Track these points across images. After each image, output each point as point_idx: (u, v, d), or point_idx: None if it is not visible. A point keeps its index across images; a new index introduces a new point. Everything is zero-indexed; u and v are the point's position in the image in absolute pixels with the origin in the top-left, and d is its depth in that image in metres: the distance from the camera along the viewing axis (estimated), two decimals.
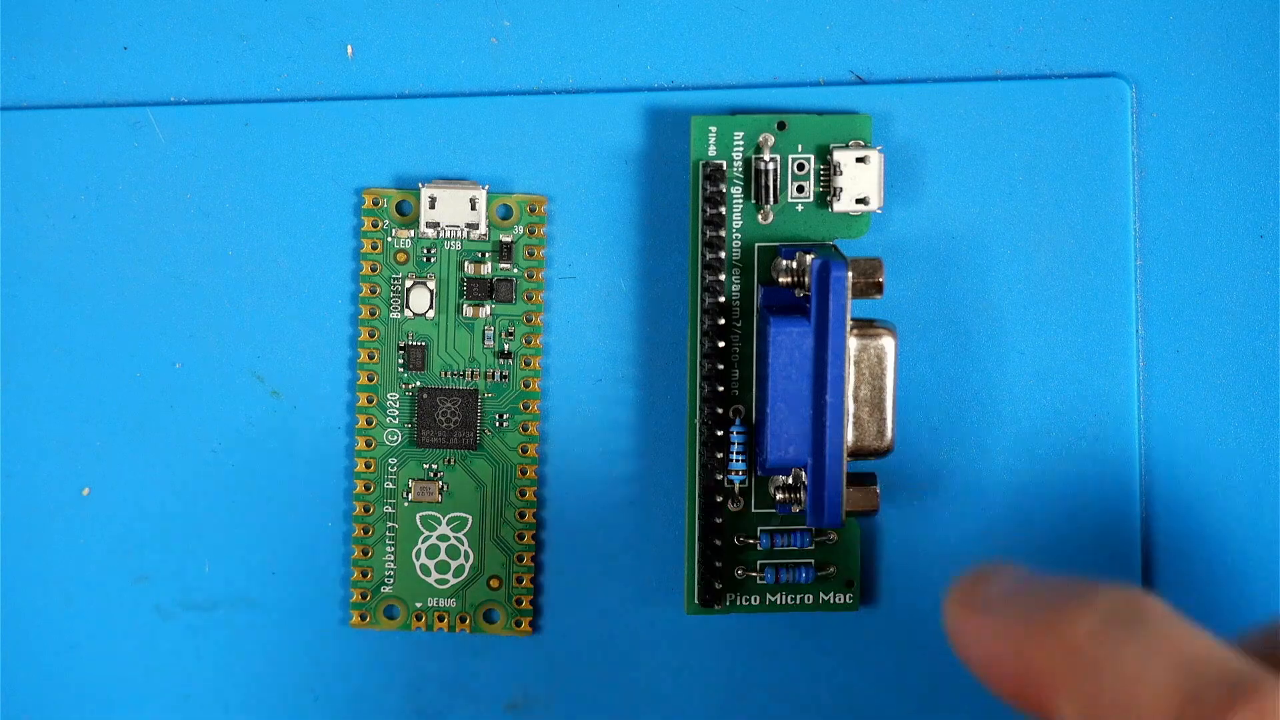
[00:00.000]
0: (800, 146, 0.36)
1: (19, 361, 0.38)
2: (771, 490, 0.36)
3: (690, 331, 0.36)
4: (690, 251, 0.36)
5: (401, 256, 0.37)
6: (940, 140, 0.37)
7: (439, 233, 0.37)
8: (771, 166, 0.35)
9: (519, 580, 0.37)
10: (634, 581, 0.37)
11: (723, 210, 0.36)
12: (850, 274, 0.34)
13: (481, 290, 0.37)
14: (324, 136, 0.37)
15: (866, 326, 0.35)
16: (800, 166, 0.36)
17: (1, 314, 0.38)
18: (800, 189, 0.36)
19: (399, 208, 0.38)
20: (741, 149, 0.36)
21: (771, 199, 0.35)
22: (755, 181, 0.35)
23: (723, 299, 0.36)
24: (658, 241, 0.37)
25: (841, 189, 0.35)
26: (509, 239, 0.37)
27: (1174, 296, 0.37)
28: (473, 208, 0.37)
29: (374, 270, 0.37)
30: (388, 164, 0.38)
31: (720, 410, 0.36)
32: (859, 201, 0.35)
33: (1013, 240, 0.37)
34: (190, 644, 0.38)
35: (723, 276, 0.36)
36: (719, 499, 0.36)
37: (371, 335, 0.38)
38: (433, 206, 0.37)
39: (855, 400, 0.35)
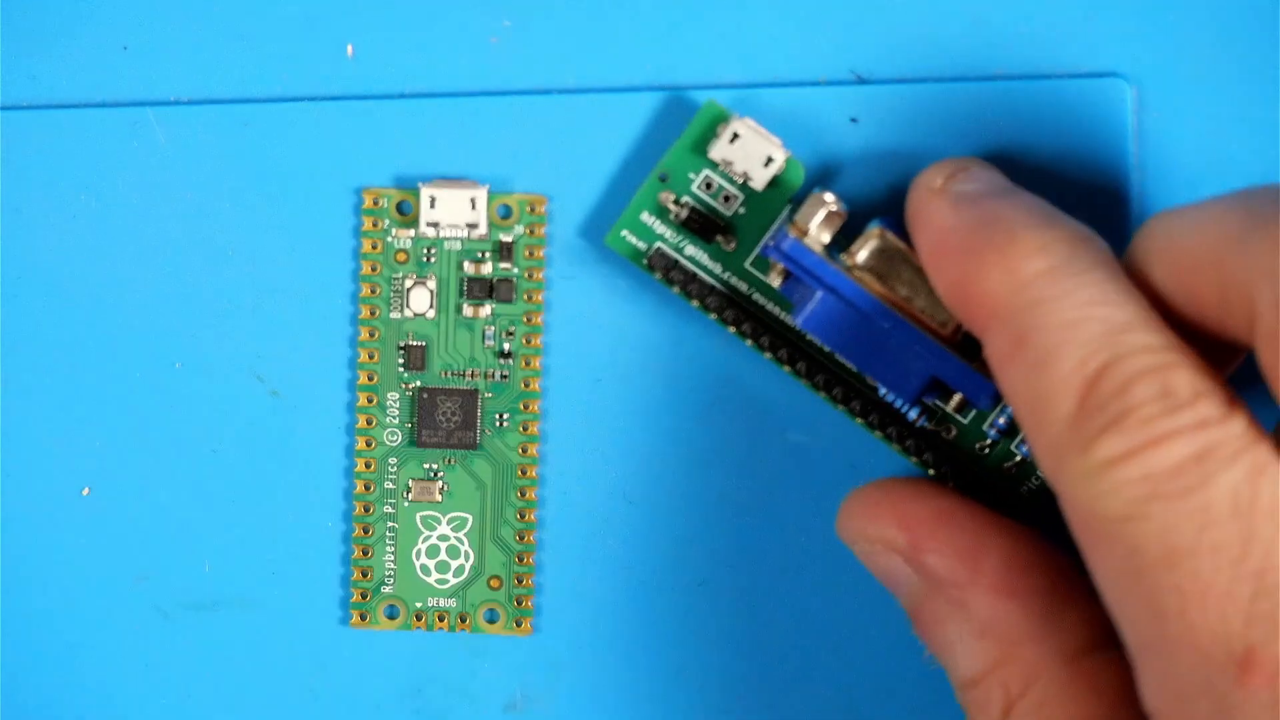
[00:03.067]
0: (690, 175, 0.36)
1: (19, 361, 0.38)
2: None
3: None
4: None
5: (401, 256, 0.37)
6: (940, 140, 0.37)
7: (439, 232, 0.37)
8: (689, 212, 0.35)
9: (519, 580, 0.37)
10: (634, 582, 0.37)
11: (695, 271, 0.36)
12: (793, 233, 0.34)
13: (481, 290, 0.37)
14: (324, 136, 0.37)
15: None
16: (708, 185, 0.35)
17: (1, 314, 0.38)
18: (726, 200, 0.35)
19: (399, 208, 0.38)
20: (662, 228, 0.36)
21: (719, 234, 0.35)
22: (698, 228, 0.35)
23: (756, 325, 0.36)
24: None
25: (747, 173, 0.35)
26: (509, 239, 0.37)
27: None
28: (473, 208, 0.37)
29: (374, 270, 0.37)
30: (388, 164, 0.38)
31: None
32: (766, 165, 0.35)
33: None
34: (190, 644, 0.38)
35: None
36: None
37: (371, 335, 0.38)
38: (433, 206, 0.37)
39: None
